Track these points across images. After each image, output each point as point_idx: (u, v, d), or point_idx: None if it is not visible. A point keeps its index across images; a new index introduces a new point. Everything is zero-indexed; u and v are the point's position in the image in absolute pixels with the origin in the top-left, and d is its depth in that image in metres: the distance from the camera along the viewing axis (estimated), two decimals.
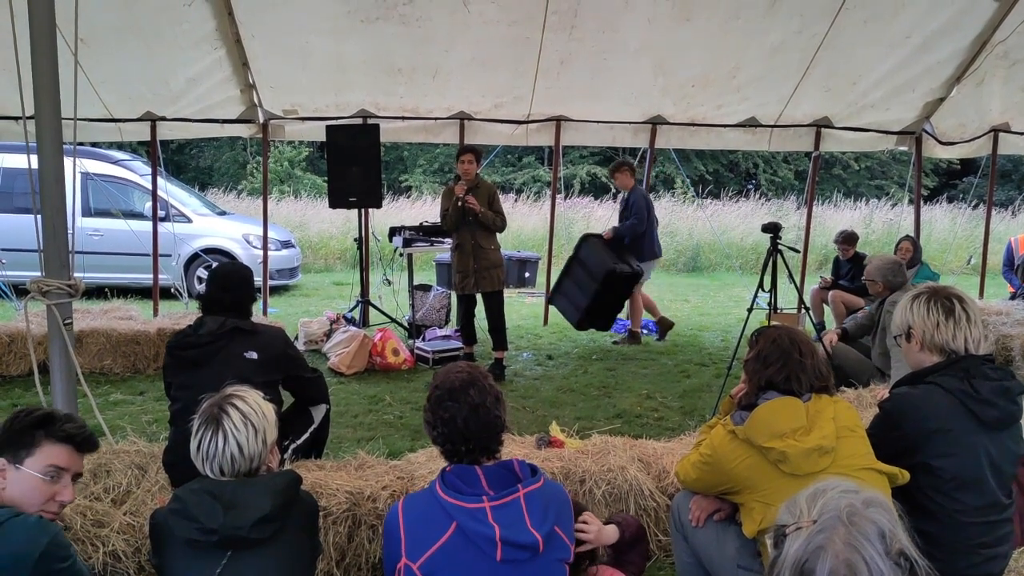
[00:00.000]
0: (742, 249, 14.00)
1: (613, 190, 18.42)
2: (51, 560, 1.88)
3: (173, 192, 9.89)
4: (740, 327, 5.39)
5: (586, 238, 7.12)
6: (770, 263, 5.16)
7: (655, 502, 3.21)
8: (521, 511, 1.88)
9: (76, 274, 3.43)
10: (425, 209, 14.44)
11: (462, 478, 1.94)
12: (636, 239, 7.09)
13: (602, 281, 6.61)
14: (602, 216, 14.52)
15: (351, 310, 7.64)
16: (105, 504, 2.91)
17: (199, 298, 3.38)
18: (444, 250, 7.06)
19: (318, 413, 3.57)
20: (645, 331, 7.89)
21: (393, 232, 7.19)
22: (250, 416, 2.08)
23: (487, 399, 2.01)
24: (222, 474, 2.05)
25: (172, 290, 7.96)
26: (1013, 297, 8.03)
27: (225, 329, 3.15)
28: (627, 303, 7.33)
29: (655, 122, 7.62)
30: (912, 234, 8.05)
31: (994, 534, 2.30)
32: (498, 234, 6.06)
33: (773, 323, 3.50)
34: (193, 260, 9.47)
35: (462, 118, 7.38)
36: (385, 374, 6.15)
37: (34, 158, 3.28)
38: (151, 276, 7.55)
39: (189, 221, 9.68)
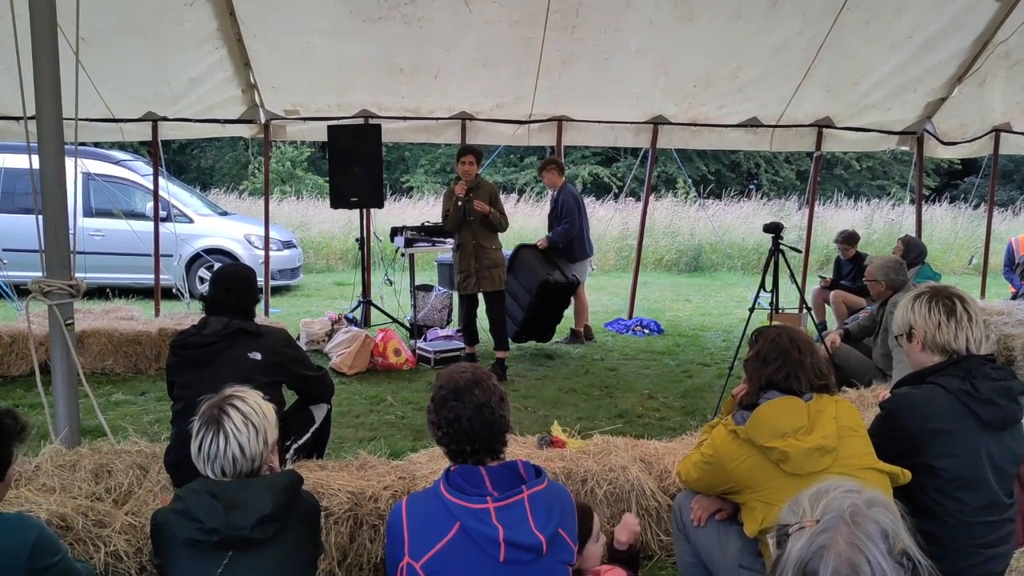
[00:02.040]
0: (744, 249, 13.98)
1: (615, 190, 18.45)
2: (42, 554, 1.88)
3: (174, 192, 9.90)
4: (742, 327, 5.39)
5: (519, 249, 6.93)
6: (772, 263, 5.16)
7: (656, 502, 3.21)
8: (525, 512, 1.88)
9: (77, 274, 3.44)
10: (427, 209, 14.44)
11: (466, 478, 1.94)
12: (569, 241, 6.97)
13: (537, 293, 6.54)
14: (603, 216, 14.50)
15: (352, 310, 7.64)
16: (107, 504, 2.91)
17: (202, 299, 3.39)
18: (445, 250, 7.06)
19: (319, 413, 3.56)
20: (647, 330, 7.90)
21: (395, 232, 7.19)
22: (251, 416, 2.08)
23: (492, 399, 2.00)
24: (224, 475, 2.05)
25: (173, 290, 7.96)
26: (1015, 297, 8.02)
27: (229, 330, 3.15)
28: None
29: (657, 122, 7.61)
30: (913, 234, 8.04)
31: (996, 534, 2.30)
32: (500, 234, 6.06)
33: (774, 323, 3.50)
34: (194, 260, 9.47)
35: (464, 118, 7.38)
36: (387, 374, 6.16)
37: (35, 158, 3.28)
38: (152, 276, 7.56)
39: (190, 221, 9.69)
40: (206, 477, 2.07)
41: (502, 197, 6.23)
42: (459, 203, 5.80)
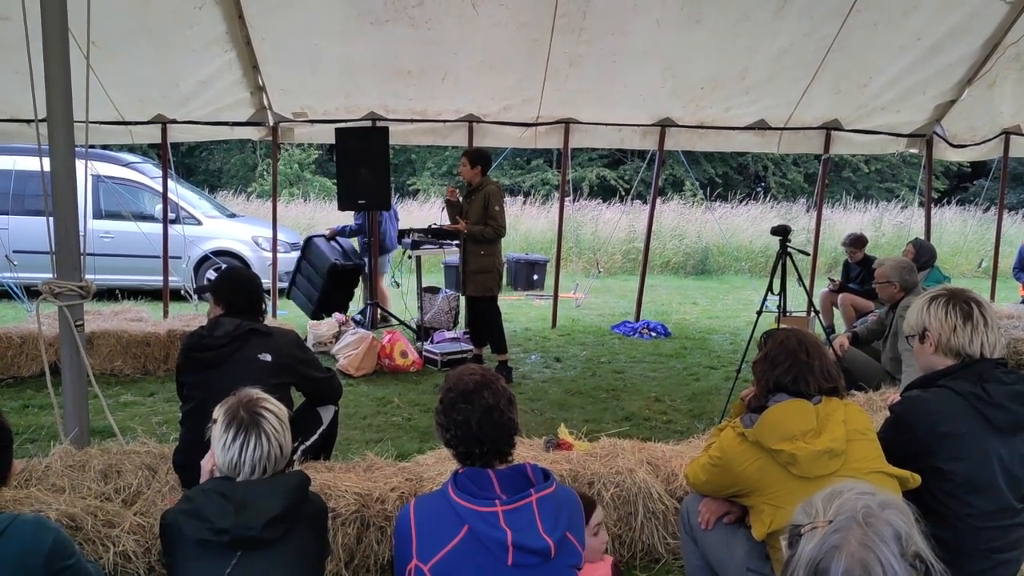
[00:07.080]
0: (751, 252, 13.94)
1: (622, 192, 18.43)
2: (58, 557, 1.90)
3: (183, 194, 9.93)
4: (749, 330, 5.37)
5: (309, 240, 7.73)
6: (780, 266, 5.14)
7: (664, 505, 3.20)
8: (533, 516, 1.88)
9: (87, 276, 3.46)
10: (434, 212, 14.45)
11: (475, 481, 1.93)
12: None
13: (327, 275, 7.28)
14: (610, 218, 14.49)
15: (360, 312, 7.65)
16: (116, 504, 2.92)
17: (210, 290, 3.40)
18: (452, 252, 7.07)
19: (327, 414, 3.57)
20: (654, 333, 7.88)
21: (402, 234, 7.20)
22: (281, 416, 2.13)
23: (501, 401, 2.00)
24: (265, 473, 2.08)
25: (182, 292, 7.99)
26: None
27: (241, 331, 3.15)
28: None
29: (664, 124, 7.60)
30: (922, 237, 8.00)
31: (1005, 539, 2.28)
32: (503, 238, 6.03)
33: (782, 326, 3.48)
34: (203, 262, 9.51)
35: (471, 120, 7.38)
36: (393, 376, 6.16)
37: (46, 161, 3.30)
38: (161, 278, 7.59)
39: (199, 223, 9.73)
40: (215, 478, 2.07)
41: (508, 199, 6.20)
42: (443, 207, 5.84)
